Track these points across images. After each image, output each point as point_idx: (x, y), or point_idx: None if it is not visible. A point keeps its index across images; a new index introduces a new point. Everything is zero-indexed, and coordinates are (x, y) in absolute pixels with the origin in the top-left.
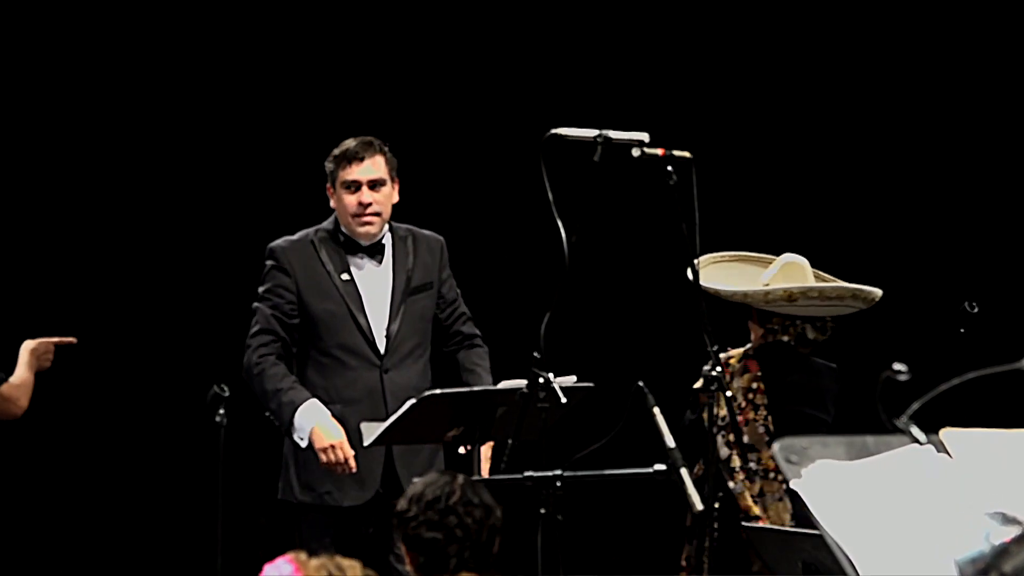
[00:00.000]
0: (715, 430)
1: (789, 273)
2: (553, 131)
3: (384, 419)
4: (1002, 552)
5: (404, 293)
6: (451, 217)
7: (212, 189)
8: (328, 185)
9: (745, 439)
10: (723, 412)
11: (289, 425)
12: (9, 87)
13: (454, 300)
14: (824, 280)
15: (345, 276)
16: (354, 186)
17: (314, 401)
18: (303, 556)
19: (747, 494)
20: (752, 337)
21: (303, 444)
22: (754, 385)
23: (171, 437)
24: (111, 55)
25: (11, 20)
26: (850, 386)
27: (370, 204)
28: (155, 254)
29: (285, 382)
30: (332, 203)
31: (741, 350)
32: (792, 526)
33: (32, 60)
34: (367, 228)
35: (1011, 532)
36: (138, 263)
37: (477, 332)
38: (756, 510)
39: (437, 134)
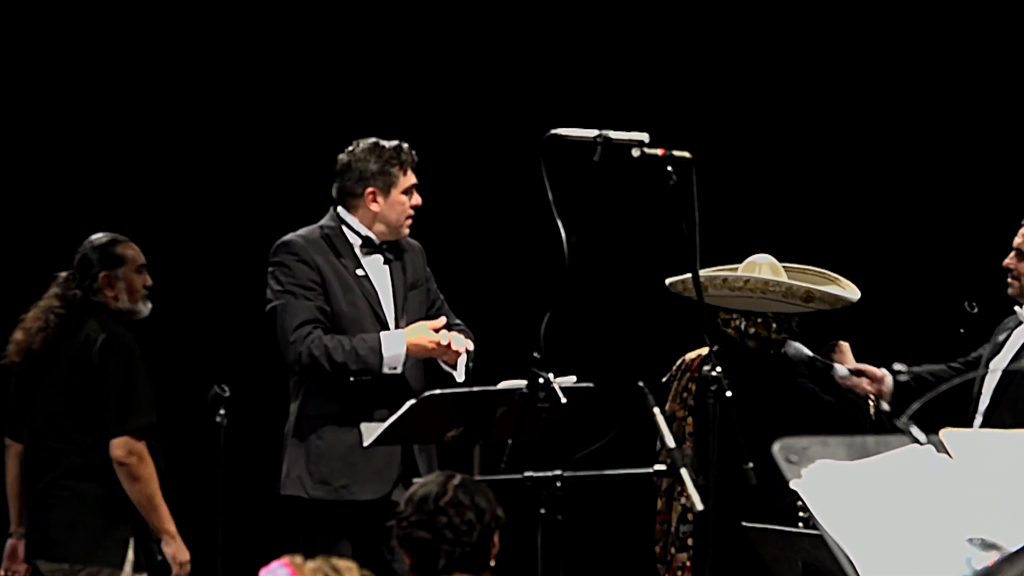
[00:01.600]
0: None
1: (748, 270)
2: (553, 131)
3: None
4: (987, 574)
5: (404, 288)
6: (451, 217)
7: (212, 190)
8: (371, 188)
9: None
10: (668, 407)
11: (382, 365)
12: (9, 87)
13: (437, 297)
14: (797, 278)
15: (360, 272)
16: (413, 190)
17: (384, 333)
18: (298, 559)
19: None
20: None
21: (400, 369)
22: (690, 385)
23: (171, 437)
24: (112, 55)
25: (12, 20)
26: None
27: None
28: (155, 255)
29: (350, 341)
30: (375, 207)
31: (691, 353)
32: (674, 529)
33: (33, 60)
34: (408, 230)
35: (992, 557)
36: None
37: (460, 321)
38: (660, 504)
39: (437, 134)
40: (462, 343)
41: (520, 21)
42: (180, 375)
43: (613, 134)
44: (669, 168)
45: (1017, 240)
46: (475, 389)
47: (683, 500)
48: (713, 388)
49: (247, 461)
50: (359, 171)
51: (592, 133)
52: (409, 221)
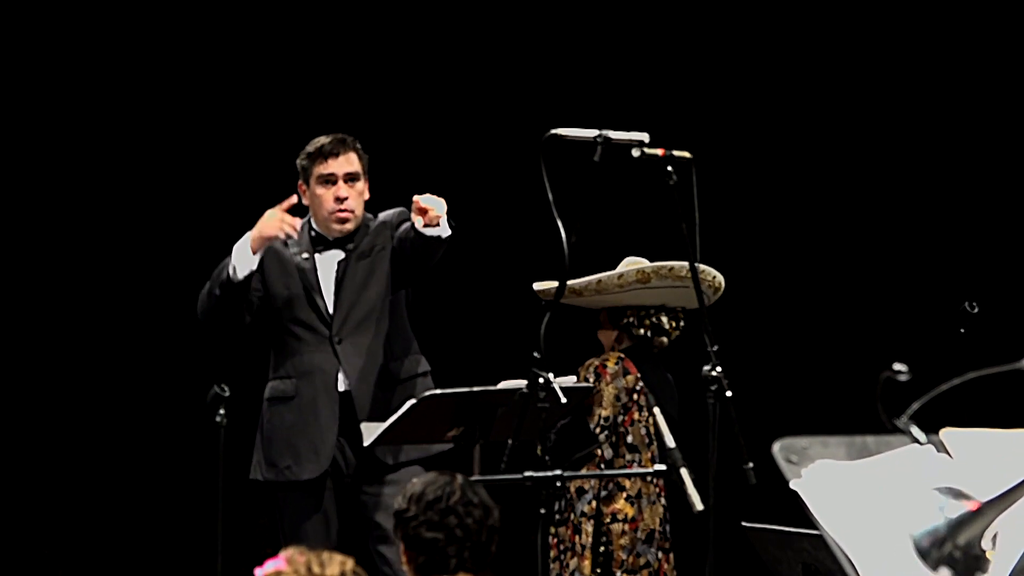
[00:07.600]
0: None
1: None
2: (553, 131)
3: (335, 392)
4: (958, 524)
5: (347, 262)
6: (451, 217)
7: (212, 190)
8: (300, 183)
9: (629, 439)
10: (606, 412)
11: (233, 270)
12: (6, 87)
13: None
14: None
15: (305, 256)
16: (331, 180)
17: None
18: (291, 553)
19: (622, 495)
20: (605, 342)
21: (254, 264)
22: (638, 386)
23: (171, 437)
24: (97, 61)
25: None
26: (850, 386)
27: (346, 199)
28: (155, 255)
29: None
30: (305, 200)
31: (605, 358)
32: (660, 531)
33: (27, 61)
34: (342, 225)
35: (963, 507)
36: (138, 264)
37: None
38: (631, 511)
39: (437, 134)
40: (434, 202)
41: (520, 21)
42: (180, 375)
43: (613, 134)
44: (669, 168)
45: None
46: (475, 389)
47: (663, 501)
48: (713, 388)
49: (247, 461)
50: (299, 168)
51: (592, 133)
52: (337, 215)
